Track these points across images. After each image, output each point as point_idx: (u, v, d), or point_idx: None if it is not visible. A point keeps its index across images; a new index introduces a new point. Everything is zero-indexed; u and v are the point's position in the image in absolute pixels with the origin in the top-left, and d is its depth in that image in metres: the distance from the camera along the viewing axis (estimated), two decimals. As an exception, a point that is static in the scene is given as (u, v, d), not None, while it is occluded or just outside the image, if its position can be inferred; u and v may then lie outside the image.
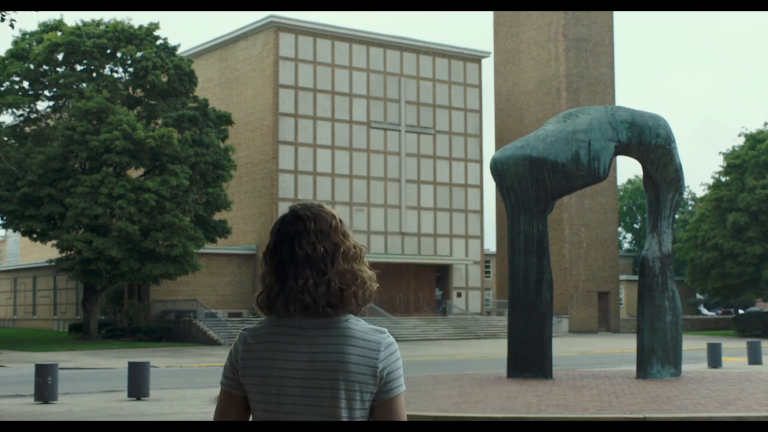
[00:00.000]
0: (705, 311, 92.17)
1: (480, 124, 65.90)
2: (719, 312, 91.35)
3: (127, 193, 45.48)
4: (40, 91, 50.91)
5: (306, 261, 2.96)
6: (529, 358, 22.43)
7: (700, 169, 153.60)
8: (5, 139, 50.63)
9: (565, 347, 45.22)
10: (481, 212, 65.39)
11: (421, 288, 61.96)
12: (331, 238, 3.00)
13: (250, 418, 3.04)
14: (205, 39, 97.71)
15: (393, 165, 61.47)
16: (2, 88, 49.72)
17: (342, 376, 2.92)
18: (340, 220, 3.05)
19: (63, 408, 19.53)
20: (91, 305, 50.51)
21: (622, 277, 78.94)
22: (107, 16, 74.01)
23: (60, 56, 49.75)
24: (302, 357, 2.94)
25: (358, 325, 3.00)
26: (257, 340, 2.99)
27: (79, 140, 46.75)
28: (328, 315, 2.98)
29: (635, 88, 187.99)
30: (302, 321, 2.98)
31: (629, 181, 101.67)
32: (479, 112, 65.96)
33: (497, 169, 22.77)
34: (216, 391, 22.27)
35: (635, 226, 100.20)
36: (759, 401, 17.36)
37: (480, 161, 65.46)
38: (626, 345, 47.14)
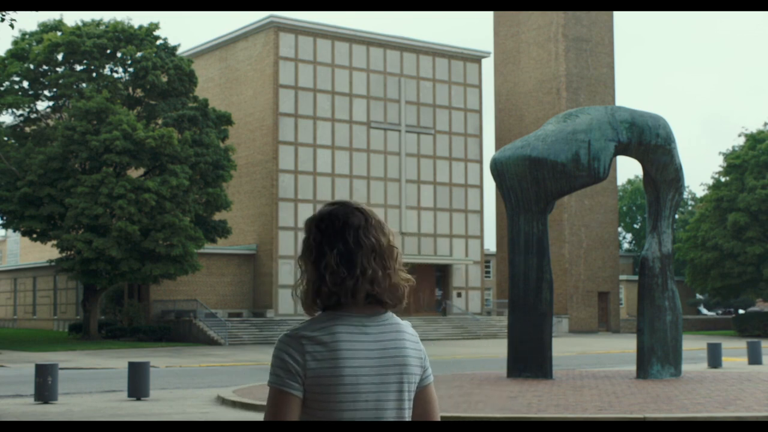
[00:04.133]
0: (705, 311, 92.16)
1: (480, 124, 65.89)
2: (719, 312, 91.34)
3: (127, 193, 45.48)
4: (40, 91, 50.91)
5: (372, 251, 2.98)
6: (529, 358, 22.44)
7: (704, 169, 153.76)
8: (5, 139, 50.63)
9: (565, 347, 45.21)
10: (481, 212, 65.38)
11: (421, 288, 61.95)
12: (386, 236, 3.04)
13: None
14: (205, 39, 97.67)
15: (393, 165, 61.47)
16: (2, 88, 49.71)
17: (405, 370, 2.99)
18: None
19: (63, 408, 19.53)
20: (91, 305, 50.51)
21: (622, 277, 78.92)
22: (107, 16, 74.03)
23: (60, 56, 49.75)
24: (370, 354, 2.94)
25: (401, 320, 3.09)
26: (321, 339, 2.92)
27: (79, 140, 46.75)
28: (382, 309, 3.02)
29: (635, 88, 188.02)
30: (362, 318, 2.98)
31: (629, 181, 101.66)
32: (479, 112, 65.96)
33: (497, 169, 22.77)
34: (217, 391, 22.27)
35: (635, 226, 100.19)
36: (759, 401, 17.36)
37: (480, 161, 65.45)
38: (626, 345, 47.14)
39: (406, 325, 3.08)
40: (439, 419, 3.13)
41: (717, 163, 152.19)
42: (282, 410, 2.91)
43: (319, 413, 2.92)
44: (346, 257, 2.95)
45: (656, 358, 22.29)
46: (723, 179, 64.37)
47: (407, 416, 3.02)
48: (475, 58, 66.23)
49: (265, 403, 18.68)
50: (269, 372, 2.97)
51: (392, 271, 3.01)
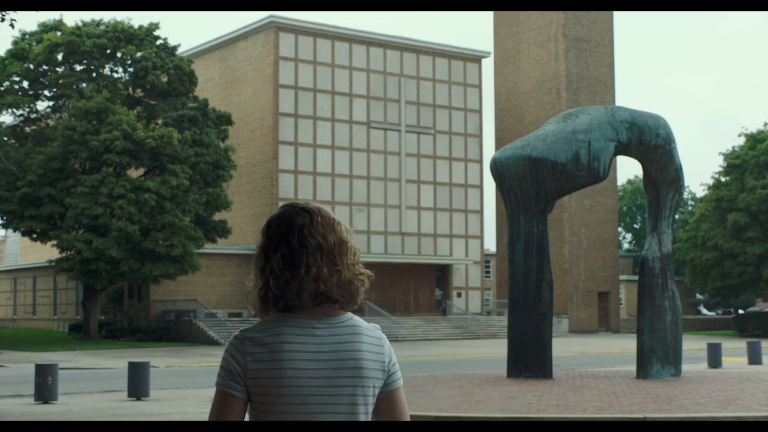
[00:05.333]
0: (705, 311, 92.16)
1: (480, 124, 65.89)
2: (719, 312, 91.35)
3: (127, 193, 45.48)
4: (40, 91, 50.91)
5: (318, 250, 2.94)
6: (529, 358, 22.44)
7: (704, 169, 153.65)
8: (5, 139, 50.63)
9: (565, 347, 45.22)
10: (481, 212, 65.39)
11: (421, 288, 61.94)
12: (337, 233, 3.00)
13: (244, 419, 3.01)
14: (205, 39, 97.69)
15: (393, 165, 61.47)
16: (2, 88, 49.71)
17: (359, 373, 2.92)
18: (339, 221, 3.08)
19: (63, 408, 19.53)
20: (91, 305, 50.51)
21: (622, 277, 78.93)
22: (107, 16, 74.04)
23: (60, 56, 49.75)
24: (318, 357, 2.90)
25: (362, 321, 3.03)
26: (263, 341, 2.90)
27: (79, 140, 46.75)
28: (334, 309, 2.98)
29: (635, 88, 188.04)
30: (311, 319, 2.94)
31: (629, 181, 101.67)
32: (479, 112, 65.96)
33: (497, 169, 22.78)
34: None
35: (635, 226, 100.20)
36: (759, 401, 17.36)
37: (480, 161, 65.46)
38: (626, 345, 47.14)
39: (368, 327, 3.00)
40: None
41: (717, 163, 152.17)
42: (224, 410, 2.92)
43: (264, 415, 2.90)
44: (290, 259, 2.93)
45: (656, 358, 22.29)
46: (723, 179, 64.37)
47: (369, 415, 2.97)
48: (475, 58, 66.23)
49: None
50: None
51: (343, 267, 2.96)
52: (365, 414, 2.94)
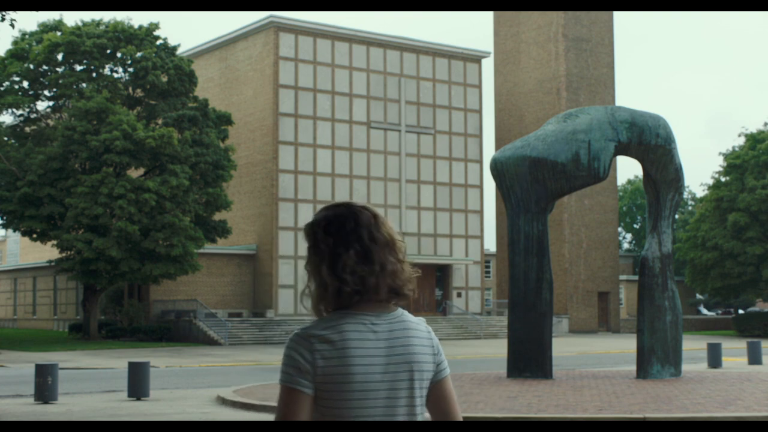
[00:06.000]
0: (705, 311, 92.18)
1: (480, 124, 65.89)
2: (719, 312, 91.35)
3: (127, 193, 45.48)
4: (40, 91, 50.91)
5: (386, 246, 3.02)
6: (529, 358, 22.44)
7: (705, 169, 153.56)
8: (5, 139, 50.63)
9: (565, 347, 45.22)
10: (481, 212, 65.39)
11: (421, 288, 61.93)
12: (392, 231, 3.09)
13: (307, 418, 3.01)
14: (205, 39, 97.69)
15: (393, 165, 61.47)
16: (2, 88, 49.71)
17: (416, 368, 3.00)
18: None
19: (63, 408, 19.53)
20: (91, 305, 50.51)
21: (622, 277, 78.92)
22: (107, 16, 74.04)
23: (60, 56, 49.75)
24: (379, 353, 2.95)
25: (410, 316, 3.11)
26: (330, 338, 2.93)
27: (79, 140, 46.75)
28: (388, 305, 3.04)
29: (635, 88, 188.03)
30: (370, 316, 2.99)
31: (629, 181, 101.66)
32: (479, 112, 65.96)
33: (497, 169, 22.78)
34: (216, 391, 22.26)
35: (635, 226, 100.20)
36: (759, 401, 17.36)
37: (480, 161, 65.45)
38: (626, 345, 47.14)
39: (417, 321, 3.09)
40: (459, 418, 3.12)
41: (717, 163, 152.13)
42: (293, 408, 2.91)
43: (330, 412, 2.92)
44: (364, 255, 2.98)
45: (656, 358, 22.29)
46: (723, 179, 64.36)
47: (419, 415, 3.02)
48: (475, 58, 66.23)
49: (265, 402, 18.70)
50: (280, 371, 2.97)
51: (405, 264, 3.08)
52: (421, 406, 3.02)
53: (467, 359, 37.50)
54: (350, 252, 2.97)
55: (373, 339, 2.95)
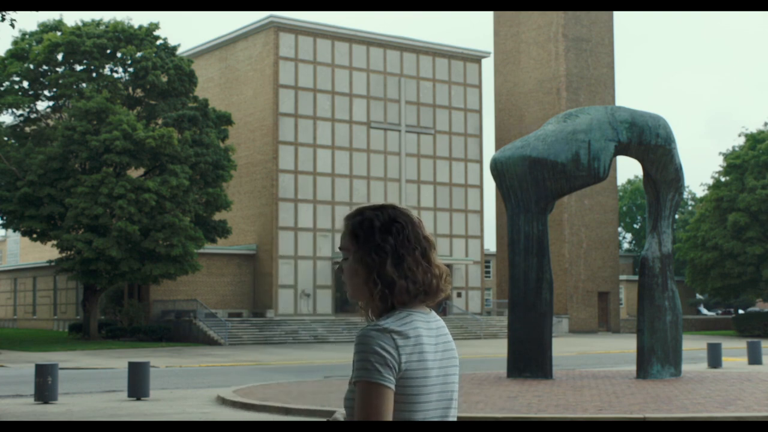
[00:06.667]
0: (705, 311, 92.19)
1: (480, 124, 65.90)
2: (719, 312, 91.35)
3: (127, 193, 45.48)
4: (40, 91, 50.91)
5: (433, 249, 3.08)
6: (529, 358, 22.44)
7: (705, 169, 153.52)
8: (5, 139, 50.62)
9: (565, 347, 45.22)
10: (481, 212, 65.39)
11: (421, 288, 61.87)
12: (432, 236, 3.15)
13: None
14: (205, 39, 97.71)
15: (393, 165, 61.46)
16: (2, 88, 49.71)
17: (457, 362, 3.08)
18: None
19: (63, 408, 19.53)
20: (91, 305, 50.50)
21: (622, 277, 78.92)
22: (107, 16, 74.05)
23: (60, 56, 49.75)
24: (437, 348, 2.98)
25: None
26: (408, 334, 2.91)
27: (79, 140, 46.75)
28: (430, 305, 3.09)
29: (635, 88, 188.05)
30: (425, 314, 3.02)
31: (629, 181, 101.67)
32: (479, 112, 65.96)
33: (497, 169, 22.78)
34: (216, 391, 22.26)
35: (635, 226, 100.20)
36: (759, 401, 17.36)
37: (480, 161, 65.45)
38: (626, 345, 47.13)
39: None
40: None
41: (717, 163, 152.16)
42: (383, 407, 2.83)
43: (404, 408, 2.89)
44: (424, 256, 3.02)
45: (656, 358, 22.29)
46: (723, 179, 64.35)
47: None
48: (475, 58, 66.24)
49: (265, 402, 18.69)
50: (359, 367, 2.85)
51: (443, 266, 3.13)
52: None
53: (467, 359, 37.51)
54: (416, 253, 3.00)
55: (433, 336, 2.98)
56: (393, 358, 2.86)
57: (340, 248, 3.14)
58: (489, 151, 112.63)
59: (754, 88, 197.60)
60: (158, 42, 51.52)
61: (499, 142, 70.79)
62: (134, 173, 52.10)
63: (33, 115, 51.88)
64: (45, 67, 50.02)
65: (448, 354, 3.01)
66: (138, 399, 21.20)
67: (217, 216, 54.76)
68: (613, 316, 69.54)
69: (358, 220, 3.06)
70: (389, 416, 2.83)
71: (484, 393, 19.28)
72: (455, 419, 3.05)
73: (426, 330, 2.96)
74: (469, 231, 64.54)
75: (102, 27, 50.64)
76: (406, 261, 2.99)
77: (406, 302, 2.98)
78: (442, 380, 2.96)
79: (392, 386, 2.84)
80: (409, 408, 2.88)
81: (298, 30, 58.80)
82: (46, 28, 50.59)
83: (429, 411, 2.91)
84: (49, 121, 52.88)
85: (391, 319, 2.94)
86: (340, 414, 3.07)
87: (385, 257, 2.98)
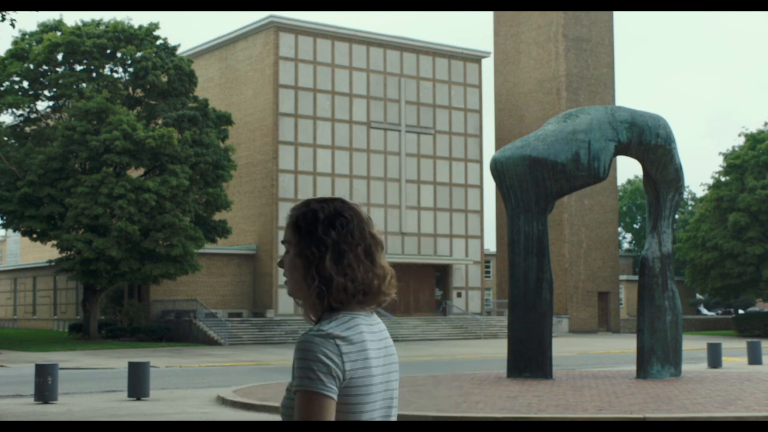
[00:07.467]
0: (705, 311, 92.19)
1: (480, 124, 65.89)
2: (719, 312, 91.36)
3: (127, 193, 45.48)
4: (40, 91, 50.91)
5: (380, 247, 2.92)
6: (529, 358, 22.44)
7: (705, 169, 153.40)
8: (5, 139, 50.62)
9: (565, 347, 45.22)
10: (481, 212, 65.39)
11: (421, 288, 61.94)
12: (380, 235, 2.99)
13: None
14: (205, 39, 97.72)
15: (393, 165, 61.46)
16: (2, 88, 49.71)
17: (398, 367, 2.94)
18: None
19: (63, 408, 19.53)
20: (91, 305, 50.50)
21: (622, 277, 78.93)
22: (107, 16, 74.03)
23: (60, 56, 49.75)
24: (380, 353, 2.85)
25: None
26: (353, 339, 2.78)
27: (79, 140, 46.75)
28: (373, 308, 2.94)
29: (635, 88, 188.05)
30: (367, 316, 2.88)
31: (629, 181, 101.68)
32: (479, 112, 65.96)
33: (497, 169, 22.78)
34: (216, 391, 22.26)
35: (635, 226, 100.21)
36: (759, 401, 17.37)
37: (480, 161, 65.45)
38: (626, 345, 47.14)
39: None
40: None
41: (717, 163, 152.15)
42: (326, 418, 2.70)
43: (345, 417, 2.77)
44: (367, 254, 2.87)
45: (656, 358, 22.29)
46: (723, 179, 64.35)
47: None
48: (475, 58, 66.24)
49: (265, 402, 18.69)
50: (300, 375, 2.71)
51: (390, 267, 2.96)
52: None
53: (467, 359, 37.50)
54: (358, 249, 2.84)
55: (376, 340, 2.86)
56: (337, 367, 2.72)
57: (282, 241, 2.96)
58: (489, 151, 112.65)
59: (754, 88, 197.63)
60: (158, 42, 51.52)
61: (499, 142, 70.79)
62: (134, 173, 52.10)
63: (33, 115, 51.88)
64: (45, 67, 50.02)
65: (390, 359, 2.88)
66: (138, 399, 21.20)
67: (217, 216, 54.76)
68: (613, 316, 69.54)
69: (302, 212, 2.91)
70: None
71: (484, 393, 19.28)
72: (395, 419, 2.93)
73: (370, 334, 2.83)
74: (469, 231, 64.53)
75: (102, 27, 50.64)
76: (347, 257, 2.82)
77: (343, 301, 2.83)
78: (385, 386, 2.84)
79: (334, 396, 2.71)
80: (353, 416, 2.76)
81: (298, 30, 58.80)
82: (46, 28, 50.59)
83: (369, 413, 2.78)
84: (49, 121, 52.88)
85: (335, 323, 2.79)
86: None
87: (325, 252, 2.82)
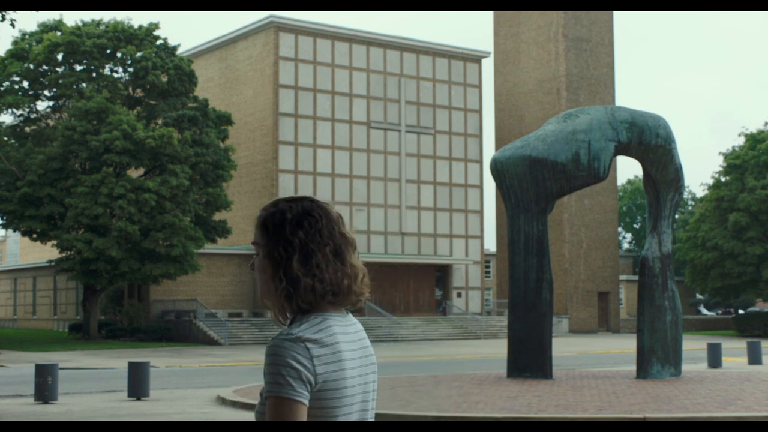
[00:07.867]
0: (705, 311, 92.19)
1: (480, 124, 65.90)
2: (719, 312, 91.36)
3: (127, 193, 45.48)
4: (40, 91, 50.90)
5: (352, 247, 2.85)
6: (529, 358, 22.44)
7: (705, 169, 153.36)
8: (5, 139, 50.62)
9: (565, 347, 45.22)
10: (481, 212, 65.39)
11: (421, 288, 61.94)
12: (352, 234, 2.92)
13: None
14: (205, 39, 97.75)
15: (393, 165, 61.47)
16: (2, 88, 49.70)
17: (376, 368, 2.89)
18: None
19: (63, 408, 19.53)
20: (91, 305, 50.50)
21: (622, 277, 78.93)
22: (107, 16, 74.04)
23: (60, 56, 49.75)
24: (355, 355, 2.79)
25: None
26: (325, 342, 2.71)
27: (79, 140, 46.75)
28: (347, 309, 2.88)
29: (635, 88, 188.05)
30: (341, 317, 2.81)
31: (629, 181, 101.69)
32: (479, 112, 65.96)
33: (497, 169, 22.78)
34: (216, 391, 22.26)
35: (635, 226, 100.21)
36: (759, 401, 17.37)
37: (480, 161, 65.45)
38: (626, 345, 47.14)
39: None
40: None
41: (717, 163, 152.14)
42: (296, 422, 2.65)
43: (316, 419, 2.71)
44: (336, 254, 2.80)
45: (656, 358, 22.29)
46: (723, 179, 64.36)
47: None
48: (475, 58, 66.24)
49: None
50: (270, 381, 2.65)
51: (362, 267, 2.89)
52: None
53: (467, 359, 37.50)
54: (326, 249, 2.77)
55: (351, 341, 2.79)
56: (308, 371, 2.65)
57: (252, 243, 2.91)
58: (489, 151, 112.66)
59: (754, 88, 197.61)
60: (158, 42, 51.52)
61: (499, 142, 70.79)
62: (134, 173, 52.10)
63: (33, 115, 51.88)
64: (45, 67, 50.02)
65: (368, 360, 2.82)
66: (138, 399, 21.20)
67: (217, 216, 54.76)
68: (613, 316, 69.55)
69: (270, 212, 2.88)
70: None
71: (484, 393, 19.28)
72: (372, 419, 2.87)
73: (343, 335, 2.76)
74: (469, 231, 64.54)
75: (102, 27, 50.64)
76: (315, 257, 2.76)
77: (312, 303, 2.76)
78: (362, 387, 2.78)
79: (306, 401, 2.64)
80: (326, 414, 2.70)
81: (298, 30, 58.81)
82: (46, 28, 50.59)
83: (351, 417, 2.73)
84: (49, 121, 52.88)
85: (305, 325, 2.72)
86: None
87: (292, 252, 2.76)
